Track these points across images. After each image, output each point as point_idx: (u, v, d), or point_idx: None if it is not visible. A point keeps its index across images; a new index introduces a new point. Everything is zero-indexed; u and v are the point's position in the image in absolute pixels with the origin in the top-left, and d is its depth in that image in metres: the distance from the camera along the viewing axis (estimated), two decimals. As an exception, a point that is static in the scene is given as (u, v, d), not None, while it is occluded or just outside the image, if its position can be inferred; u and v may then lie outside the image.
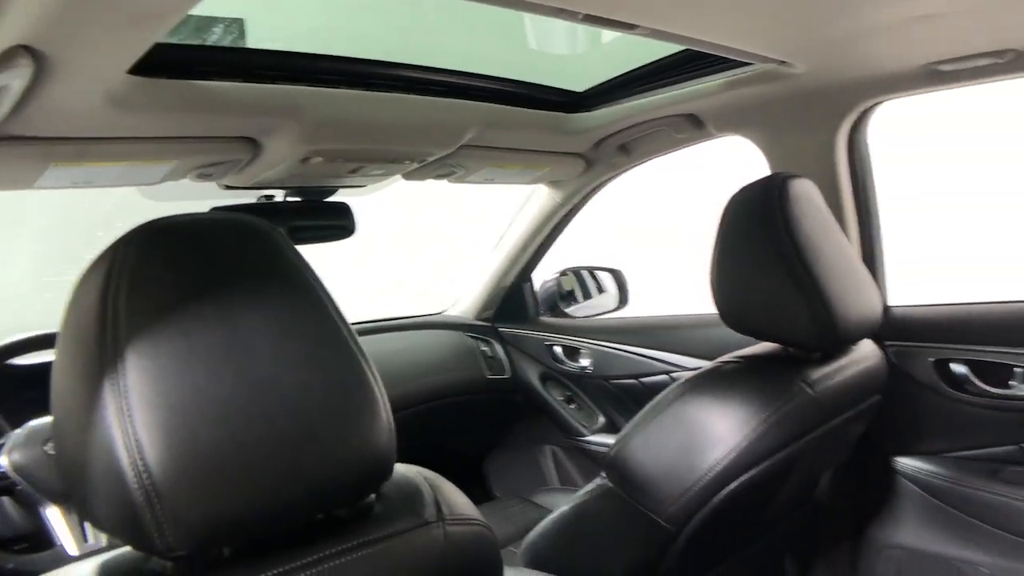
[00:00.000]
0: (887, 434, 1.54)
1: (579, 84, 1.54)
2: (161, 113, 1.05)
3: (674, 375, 2.02)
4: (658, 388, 2.04)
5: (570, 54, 1.54)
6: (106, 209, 3.88)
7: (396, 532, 0.66)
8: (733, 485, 1.11)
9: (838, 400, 1.21)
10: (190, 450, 0.53)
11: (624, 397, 2.19)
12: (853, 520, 1.66)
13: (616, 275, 2.44)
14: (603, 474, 1.26)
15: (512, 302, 2.34)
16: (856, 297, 1.21)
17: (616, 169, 1.81)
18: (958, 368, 1.50)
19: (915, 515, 1.57)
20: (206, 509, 0.54)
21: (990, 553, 1.45)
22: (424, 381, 2.06)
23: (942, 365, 1.52)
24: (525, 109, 1.46)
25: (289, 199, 1.50)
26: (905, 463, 1.58)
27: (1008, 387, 1.44)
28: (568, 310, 2.47)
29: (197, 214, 0.65)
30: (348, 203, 1.55)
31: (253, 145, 1.19)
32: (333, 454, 0.60)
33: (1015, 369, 1.42)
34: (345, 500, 0.64)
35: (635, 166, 1.79)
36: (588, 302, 2.56)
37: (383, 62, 1.25)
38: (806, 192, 1.22)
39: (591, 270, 2.53)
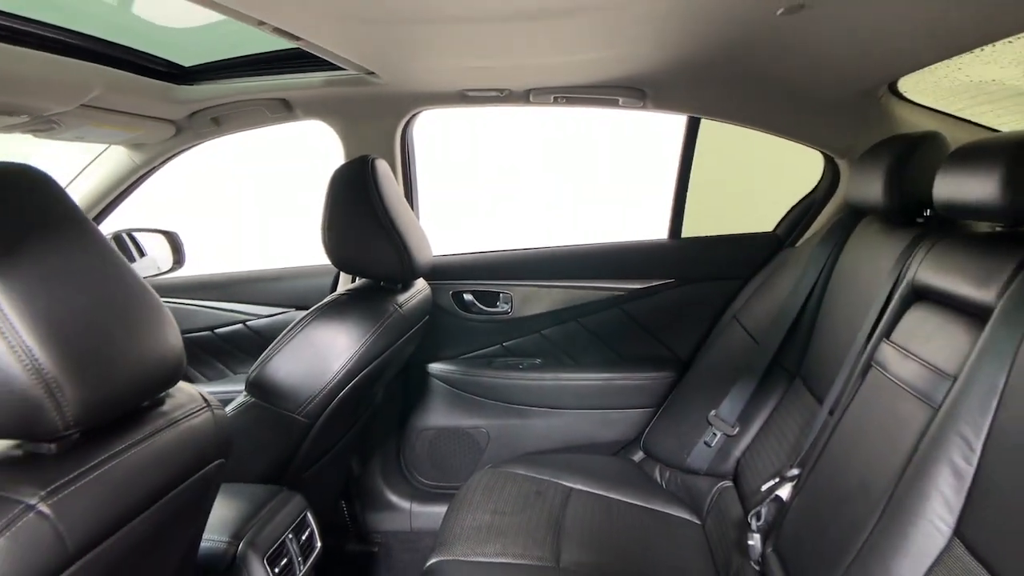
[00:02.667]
0: (423, 348, 2.15)
1: (186, 59, 1.70)
2: None
3: (250, 324, 2.30)
4: (234, 337, 2.32)
5: (180, 28, 1.68)
6: None
7: (188, 414, 0.91)
8: (354, 381, 1.53)
9: (412, 317, 1.74)
10: (78, 350, 0.73)
11: (197, 350, 2.36)
12: (398, 416, 2.25)
13: (171, 237, 2.52)
14: (244, 393, 1.54)
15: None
16: (421, 246, 1.74)
17: (204, 137, 1.98)
18: (468, 297, 2.20)
19: (442, 403, 2.23)
20: (95, 392, 0.74)
21: (486, 417, 2.20)
22: None
23: (458, 295, 2.20)
24: (139, 76, 1.57)
25: None
26: (435, 367, 2.22)
27: (496, 307, 2.20)
28: (121, 271, 2.46)
29: None
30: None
31: None
32: (156, 352, 0.84)
33: (500, 294, 2.19)
34: (163, 387, 0.87)
35: (223, 136, 1.99)
36: (139, 262, 2.58)
37: (8, 14, 1.25)
38: (386, 170, 1.69)
39: (130, 232, 2.55)
